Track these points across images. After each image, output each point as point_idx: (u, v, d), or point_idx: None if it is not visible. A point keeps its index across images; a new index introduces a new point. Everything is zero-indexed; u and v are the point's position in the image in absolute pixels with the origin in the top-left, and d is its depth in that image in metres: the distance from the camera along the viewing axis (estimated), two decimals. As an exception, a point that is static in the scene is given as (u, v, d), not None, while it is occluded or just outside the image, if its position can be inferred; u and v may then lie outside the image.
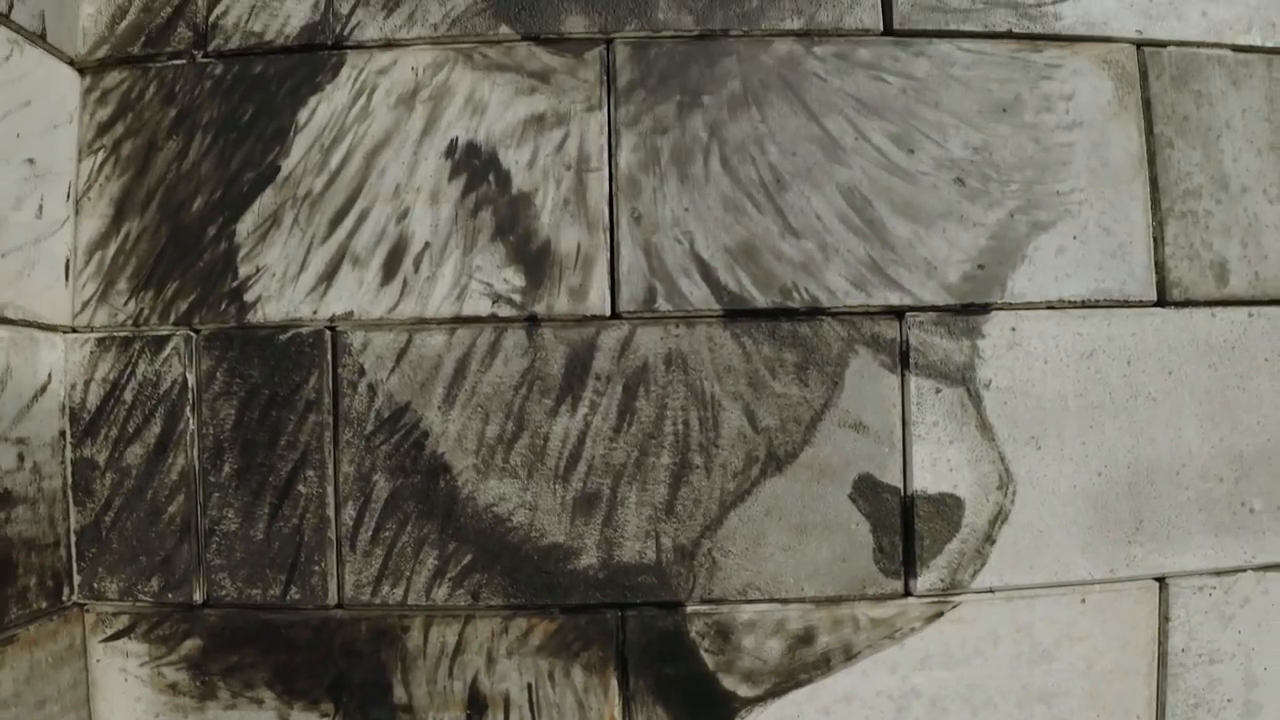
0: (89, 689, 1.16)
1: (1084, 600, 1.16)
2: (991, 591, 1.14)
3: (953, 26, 1.17)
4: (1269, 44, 1.26)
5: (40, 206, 1.14)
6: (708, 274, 1.13)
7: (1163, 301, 1.18)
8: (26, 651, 1.06)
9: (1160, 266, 1.19)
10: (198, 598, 1.13)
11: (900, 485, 1.13)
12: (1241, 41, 1.25)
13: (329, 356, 1.13)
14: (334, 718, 1.12)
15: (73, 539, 1.16)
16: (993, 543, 1.14)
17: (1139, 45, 1.21)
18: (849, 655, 1.12)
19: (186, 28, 1.18)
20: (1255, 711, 1.19)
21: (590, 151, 1.14)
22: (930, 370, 1.14)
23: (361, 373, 1.13)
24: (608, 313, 1.13)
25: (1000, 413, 1.14)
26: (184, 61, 1.18)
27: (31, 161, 1.12)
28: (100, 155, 1.18)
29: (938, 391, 1.14)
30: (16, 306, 1.09)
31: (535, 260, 1.13)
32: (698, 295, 1.13)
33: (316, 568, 1.12)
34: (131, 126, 1.18)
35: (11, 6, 1.09)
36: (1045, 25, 1.19)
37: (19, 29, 1.10)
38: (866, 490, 1.13)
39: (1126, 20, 1.21)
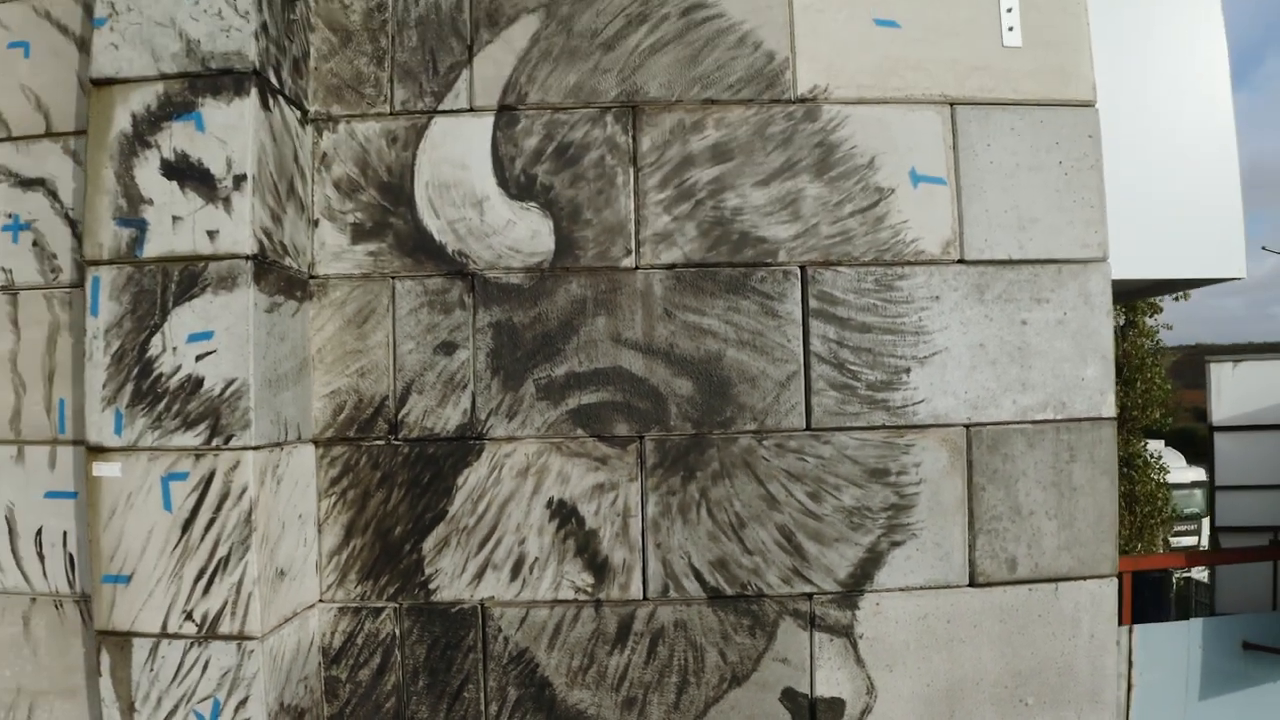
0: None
1: (917, 754, 2.23)
2: (862, 750, 2.22)
3: (848, 424, 2.17)
4: (1058, 417, 2.24)
5: (308, 538, 2.17)
6: (699, 576, 2.16)
7: (973, 584, 2.22)
8: (325, 788, 2.17)
9: (972, 564, 2.21)
10: (405, 751, 2.22)
11: (809, 693, 2.19)
12: (1039, 418, 2.23)
13: (480, 621, 2.18)
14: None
15: None
16: (863, 724, 2.21)
17: (968, 427, 2.21)
18: (778, 785, 2.22)
19: (384, 421, 2.18)
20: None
21: (631, 505, 2.15)
22: (827, 628, 2.18)
23: (500, 630, 2.18)
24: (641, 598, 2.17)
25: (869, 651, 2.19)
26: (383, 443, 2.19)
27: (300, 516, 2.15)
28: (332, 499, 2.20)
29: (831, 640, 2.18)
30: (304, 604, 2.14)
31: (600, 569, 2.16)
32: (692, 588, 2.17)
33: (474, 737, 2.21)
34: (352, 482, 2.19)
35: (287, 432, 2.09)
36: (907, 419, 2.18)
37: (289, 443, 2.11)
38: (789, 696, 2.19)
39: (961, 412, 2.20)
